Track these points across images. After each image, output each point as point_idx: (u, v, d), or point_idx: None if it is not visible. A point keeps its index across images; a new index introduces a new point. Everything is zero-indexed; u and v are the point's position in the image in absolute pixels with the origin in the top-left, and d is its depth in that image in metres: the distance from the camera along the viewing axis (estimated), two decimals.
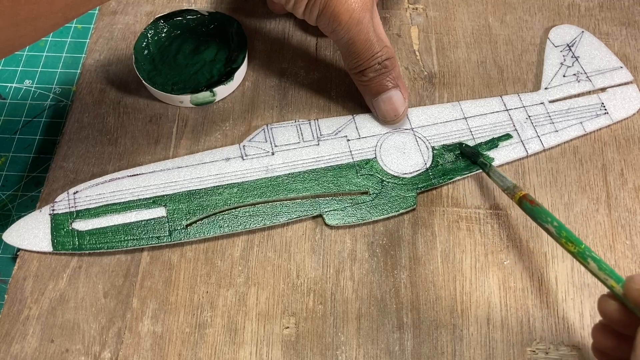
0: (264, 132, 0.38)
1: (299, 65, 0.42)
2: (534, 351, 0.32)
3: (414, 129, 0.39)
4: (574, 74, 0.41)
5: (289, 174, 0.37)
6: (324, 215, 0.36)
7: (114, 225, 0.35)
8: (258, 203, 0.36)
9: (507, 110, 0.40)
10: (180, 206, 0.36)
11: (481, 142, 0.38)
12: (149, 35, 0.41)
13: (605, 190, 0.37)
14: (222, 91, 0.40)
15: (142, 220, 0.35)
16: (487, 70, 0.42)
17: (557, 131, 0.39)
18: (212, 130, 0.39)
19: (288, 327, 0.33)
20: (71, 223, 0.35)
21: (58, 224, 0.35)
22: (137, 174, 0.37)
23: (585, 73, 0.41)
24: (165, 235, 0.35)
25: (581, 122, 0.39)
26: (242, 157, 0.37)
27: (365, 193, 0.36)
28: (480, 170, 0.37)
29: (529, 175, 0.38)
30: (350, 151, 0.38)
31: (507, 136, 0.39)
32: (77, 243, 0.34)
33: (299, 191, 0.36)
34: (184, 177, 0.36)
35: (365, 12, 0.34)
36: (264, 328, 0.33)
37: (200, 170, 0.37)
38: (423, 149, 0.38)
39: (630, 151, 0.39)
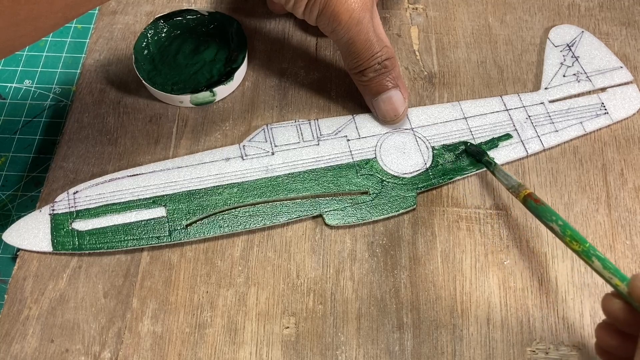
0: (264, 132, 0.38)
1: (299, 65, 0.42)
2: (534, 351, 0.32)
3: (414, 129, 0.39)
4: (574, 74, 0.41)
5: (289, 174, 0.37)
6: (324, 215, 0.36)
7: (114, 225, 0.35)
8: (258, 203, 0.36)
9: (507, 110, 0.40)
10: (180, 206, 0.36)
11: (481, 142, 0.38)
12: (149, 35, 0.41)
13: (605, 190, 0.37)
14: (222, 91, 0.40)
15: (142, 220, 0.35)
16: (487, 70, 0.42)
17: (557, 131, 0.39)
18: (212, 130, 0.39)
19: (288, 327, 0.33)
20: (71, 223, 0.35)
21: (58, 224, 0.35)
22: (137, 174, 0.37)
23: (585, 73, 0.41)
24: (165, 235, 0.35)
25: (581, 122, 0.39)
26: (242, 157, 0.37)
27: (365, 193, 0.36)
28: (480, 170, 0.37)
29: (529, 175, 0.38)
30: (350, 151, 0.38)
31: (507, 136, 0.39)
32: (77, 243, 0.34)
33: (299, 191, 0.36)
34: (184, 177, 0.36)
35: (365, 12, 0.34)
36: (264, 328, 0.33)
37: (200, 170, 0.37)
38: (423, 149, 0.38)
39: (630, 151, 0.39)
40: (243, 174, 0.37)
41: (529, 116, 0.39)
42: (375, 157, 0.38)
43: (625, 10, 0.44)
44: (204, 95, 0.39)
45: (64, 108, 0.42)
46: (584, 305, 0.34)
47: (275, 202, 0.36)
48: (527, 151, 0.38)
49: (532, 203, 0.32)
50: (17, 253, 0.35)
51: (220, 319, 0.33)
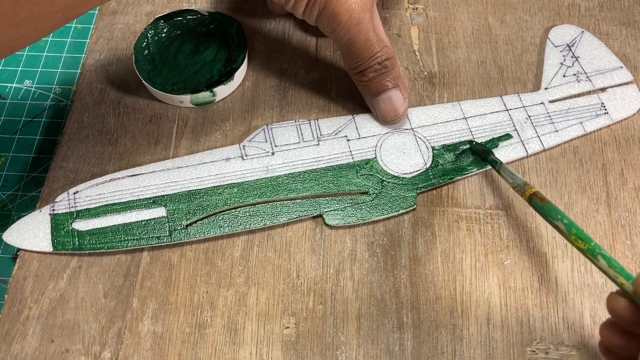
0: (264, 132, 0.38)
1: (299, 65, 0.42)
2: (534, 351, 0.32)
3: (414, 129, 0.39)
4: (574, 74, 0.41)
5: (289, 174, 0.37)
6: (324, 215, 0.36)
7: (114, 225, 0.35)
8: (258, 203, 0.36)
9: (507, 110, 0.40)
10: (180, 206, 0.36)
11: (481, 142, 0.38)
12: (149, 35, 0.41)
13: (605, 190, 0.37)
14: (222, 91, 0.40)
15: (142, 220, 0.35)
16: (487, 70, 0.42)
17: (557, 131, 0.39)
18: (212, 130, 0.39)
19: (288, 327, 0.33)
20: (71, 223, 0.35)
21: (58, 224, 0.35)
22: (137, 174, 0.37)
23: (585, 73, 0.41)
24: (165, 235, 0.35)
25: (581, 122, 0.39)
26: (242, 157, 0.37)
27: (365, 193, 0.36)
28: (480, 170, 0.37)
29: (529, 175, 0.38)
30: (350, 151, 0.38)
31: (507, 136, 0.39)
32: (77, 243, 0.34)
33: (299, 191, 0.36)
34: (184, 177, 0.36)
35: (365, 12, 0.34)
36: (264, 328, 0.33)
37: (200, 170, 0.37)
38: (423, 149, 0.38)
39: (630, 151, 0.39)
40: (243, 174, 0.37)
41: (529, 116, 0.39)
42: (375, 157, 0.38)
43: (625, 10, 0.44)
44: (204, 95, 0.39)
45: (64, 108, 0.42)
46: (584, 305, 0.34)
47: (276, 202, 0.36)
48: (527, 151, 0.38)
49: (537, 202, 0.32)
50: (17, 253, 0.35)
51: (221, 319, 0.33)
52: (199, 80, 0.40)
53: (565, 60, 0.42)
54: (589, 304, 0.34)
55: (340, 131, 0.39)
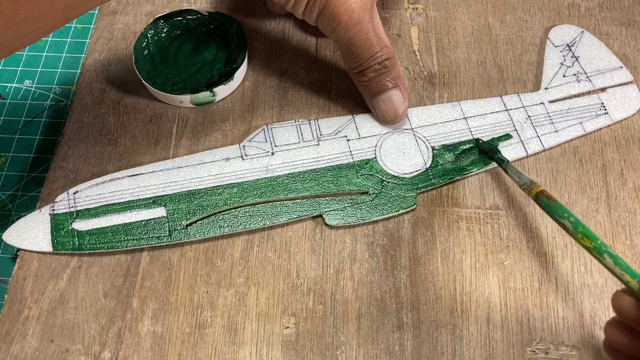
0: (264, 132, 0.38)
1: (299, 65, 0.42)
2: (534, 351, 0.32)
3: (414, 129, 0.39)
4: (574, 74, 0.41)
5: (288, 174, 0.37)
6: (324, 215, 0.36)
7: (114, 225, 0.35)
8: (258, 203, 0.36)
9: (507, 110, 0.40)
10: (180, 206, 0.36)
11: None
12: (149, 35, 0.41)
13: (605, 190, 0.37)
14: (222, 91, 0.40)
15: (142, 220, 0.35)
16: (487, 70, 0.42)
17: (557, 131, 0.39)
18: (212, 130, 0.39)
19: (288, 327, 0.33)
20: (71, 223, 0.35)
21: (58, 224, 0.35)
22: (137, 174, 0.37)
23: (585, 73, 0.41)
24: (165, 235, 0.35)
25: (581, 122, 0.39)
26: (242, 157, 0.37)
27: (365, 193, 0.36)
28: (480, 170, 0.37)
29: (529, 175, 0.38)
30: (350, 151, 0.38)
31: (507, 136, 0.39)
32: (77, 243, 0.34)
33: (299, 191, 0.36)
34: (184, 177, 0.36)
35: (365, 12, 0.34)
36: (264, 328, 0.33)
37: (200, 170, 0.37)
38: (423, 149, 0.38)
39: (630, 151, 0.39)
40: (243, 174, 0.37)
41: (529, 116, 0.39)
42: (375, 157, 0.38)
43: (625, 10, 0.44)
44: (204, 95, 0.39)
45: (64, 108, 0.42)
46: (584, 305, 0.34)
47: (275, 202, 0.36)
48: (527, 151, 0.38)
49: (544, 200, 0.32)
50: (17, 253, 0.35)
51: (220, 319, 0.33)
52: (199, 80, 0.40)
53: (565, 60, 0.42)
54: (589, 304, 0.34)
55: (340, 131, 0.39)
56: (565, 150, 0.39)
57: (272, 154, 0.38)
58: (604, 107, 0.40)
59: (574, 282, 0.34)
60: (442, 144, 0.38)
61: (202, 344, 0.33)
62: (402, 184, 0.37)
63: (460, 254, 0.35)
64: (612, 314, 0.33)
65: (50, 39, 0.45)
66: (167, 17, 0.42)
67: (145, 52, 0.40)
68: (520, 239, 0.36)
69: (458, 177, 0.37)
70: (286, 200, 0.36)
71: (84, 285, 0.34)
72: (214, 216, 0.35)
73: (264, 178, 0.37)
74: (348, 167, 0.37)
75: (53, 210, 0.35)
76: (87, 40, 0.44)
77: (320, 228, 0.36)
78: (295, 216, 0.36)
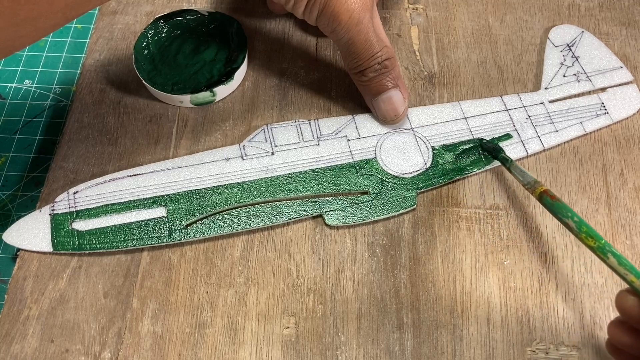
0: (264, 132, 0.38)
1: (299, 65, 0.42)
2: (534, 351, 0.32)
3: (414, 129, 0.39)
4: (574, 74, 0.41)
5: (289, 174, 0.37)
6: (324, 215, 0.36)
7: (114, 225, 0.35)
8: (258, 203, 0.36)
9: (507, 110, 0.40)
10: (180, 206, 0.36)
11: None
12: (149, 35, 0.41)
13: (605, 190, 0.37)
14: (222, 91, 0.40)
15: (142, 220, 0.35)
16: (487, 70, 0.42)
17: (557, 131, 0.39)
18: (212, 130, 0.39)
19: (288, 327, 0.33)
20: (71, 223, 0.35)
21: (58, 224, 0.35)
22: (137, 174, 0.37)
23: (585, 73, 0.41)
24: (165, 235, 0.35)
25: (581, 122, 0.39)
26: (242, 157, 0.37)
27: (365, 193, 0.36)
28: (480, 170, 0.37)
29: None
30: (350, 151, 0.38)
31: (507, 136, 0.39)
32: (77, 243, 0.34)
33: (299, 191, 0.36)
34: (184, 177, 0.36)
35: (365, 12, 0.34)
36: (264, 328, 0.33)
37: (200, 170, 0.37)
38: (423, 149, 0.38)
39: (630, 151, 0.39)
40: (243, 174, 0.37)
41: (529, 116, 0.39)
42: (375, 157, 0.38)
43: (625, 10, 0.44)
44: (204, 95, 0.39)
45: (64, 108, 0.42)
46: (584, 305, 0.34)
47: (275, 202, 0.36)
48: (527, 151, 0.38)
49: (548, 199, 0.32)
50: (17, 253, 0.35)
51: (220, 319, 0.33)
52: (199, 80, 0.40)
53: (565, 60, 0.42)
54: (589, 304, 0.34)
55: (340, 131, 0.39)
56: (566, 150, 0.39)
57: (272, 154, 0.38)
58: (604, 107, 0.40)
59: (574, 282, 0.34)
60: (442, 144, 0.38)
61: (202, 344, 0.33)
62: (402, 184, 0.37)
63: (460, 254, 0.35)
64: (612, 314, 0.33)
65: (50, 39, 0.45)
66: (167, 17, 0.42)
67: (145, 52, 0.40)
68: (520, 239, 0.36)
69: (458, 177, 0.37)
70: (286, 200, 0.36)
71: (84, 285, 0.34)
72: (214, 216, 0.35)
73: (264, 178, 0.37)
74: (348, 167, 0.37)
75: (53, 210, 0.35)
76: (87, 40, 0.44)
77: (320, 228, 0.36)
78: (295, 216, 0.36)
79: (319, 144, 0.38)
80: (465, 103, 0.40)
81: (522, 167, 0.35)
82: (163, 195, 0.36)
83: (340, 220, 0.36)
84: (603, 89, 0.41)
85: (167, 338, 0.33)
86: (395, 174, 0.37)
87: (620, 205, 0.37)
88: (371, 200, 0.36)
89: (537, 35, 0.43)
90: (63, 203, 0.35)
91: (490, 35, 0.43)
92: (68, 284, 0.34)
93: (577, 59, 0.42)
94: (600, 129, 0.39)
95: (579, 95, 0.40)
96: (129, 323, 0.33)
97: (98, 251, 0.35)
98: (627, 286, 0.28)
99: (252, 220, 0.35)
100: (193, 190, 0.36)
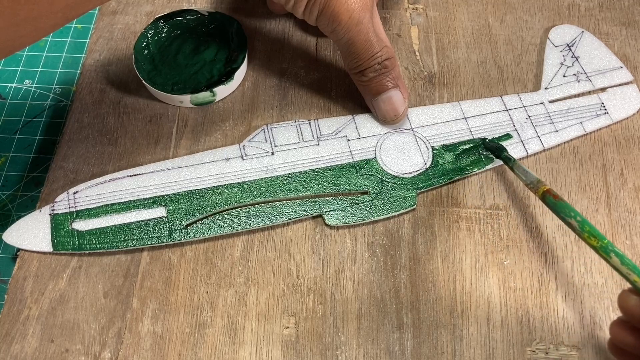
0: (264, 132, 0.38)
1: (299, 65, 0.42)
2: (534, 351, 0.32)
3: (414, 129, 0.39)
4: (574, 74, 0.41)
5: (289, 174, 0.37)
6: (324, 215, 0.36)
7: (114, 225, 0.35)
8: (258, 203, 0.36)
9: (507, 110, 0.40)
10: (180, 206, 0.36)
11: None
12: (149, 35, 0.41)
13: (605, 190, 0.37)
14: (222, 91, 0.40)
15: (142, 220, 0.35)
16: (487, 70, 0.42)
17: (557, 131, 0.39)
18: (212, 130, 0.39)
19: (288, 327, 0.33)
20: (71, 223, 0.35)
21: (58, 224, 0.35)
22: (137, 174, 0.37)
23: (585, 73, 0.41)
24: (165, 235, 0.35)
25: (581, 122, 0.39)
26: (242, 157, 0.37)
27: (365, 193, 0.36)
28: (480, 170, 0.37)
29: None
30: (350, 151, 0.38)
31: (507, 136, 0.39)
32: (77, 243, 0.34)
33: (299, 191, 0.36)
34: (184, 177, 0.36)
35: (365, 12, 0.34)
36: (264, 328, 0.33)
37: (200, 170, 0.37)
38: (423, 149, 0.38)
39: (630, 151, 0.39)
40: (243, 174, 0.37)
41: (529, 116, 0.39)
42: (375, 157, 0.38)
43: (625, 10, 0.44)
44: (204, 95, 0.39)
45: (64, 108, 0.42)
46: (584, 305, 0.34)
47: (275, 202, 0.36)
48: (527, 151, 0.38)
49: (550, 199, 0.32)
50: (17, 253, 0.35)
51: (220, 319, 0.33)
52: (199, 80, 0.40)
53: (565, 60, 0.42)
54: (589, 304, 0.34)
55: (340, 131, 0.39)
56: (565, 150, 0.39)
57: (272, 154, 0.38)
58: (604, 107, 0.40)
59: (574, 282, 0.34)
60: (442, 144, 0.38)
61: (202, 344, 0.33)
62: (402, 184, 0.37)
63: (460, 254, 0.35)
64: (612, 314, 0.33)
65: (50, 39, 0.45)
66: (167, 17, 0.42)
67: (145, 52, 0.40)
68: (520, 239, 0.36)
69: (458, 177, 0.37)
70: (286, 200, 0.36)
71: (84, 285, 0.34)
72: (214, 216, 0.35)
73: (264, 178, 0.37)
74: (348, 167, 0.37)
75: (53, 210, 0.35)
76: (87, 40, 0.44)
77: (320, 228, 0.36)
78: (295, 216, 0.36)
79: (319, 144, 0.38)
80: (465, 103, 0.40)
81: (525, 167, 0.35)
82: (163, 195, 0.36)
83: (340, 220, 0.36)
84: (603, 89, 0.41)
85: (167, 338, 0.33)
86: (395, 174, 0.37)
87: (620, 205, 0.37)
88: (371, 200, 0.36)
89: (537, 35, 0.43)
90: (63, 203, 0.35)
91: (490, 35, 0.43)
92: (68, 284, 0.34)
93: (577, 59, 0.42)
94: (600, 129, 0.39)
95: (579, 95, 0.40)
96: (129, 323, 0.33)
97: (98, 251, 0.35)
98: (629, 286, 0.28)
99: (252, 220, 0.35)
100: (193, 190, 0.36)
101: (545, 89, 0.41)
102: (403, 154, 0.38)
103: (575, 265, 0.35)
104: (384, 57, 0.36)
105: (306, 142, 0.38)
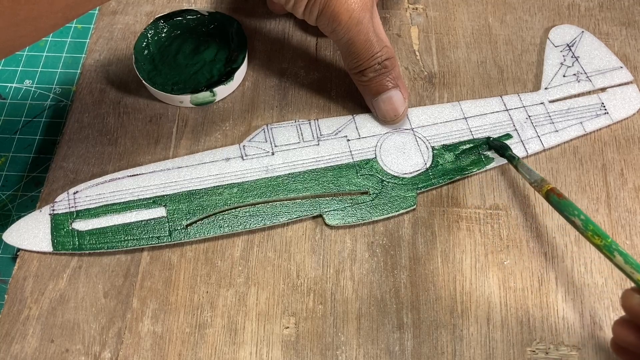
0: (264, 132, 0.38)
1: (299, 65, 0.42)
2: (534, 351, 0.32)
3: (414, 129, 0.39)
4: (574, 74, 0.41)
5: (289, 174, 0.37)
6: (324, 215, 0.36)
7: (114, 225, 0.35)
8: (258, 203, 0.36)
9: (507, 110, 0.40)
10: (180, 206, 0.36)
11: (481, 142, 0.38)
12: (149, 35, 0.41)
13: (605, 190, 0.37)
14: (222, 91, 0.40)
15: (142, 220, 0.35)
16: (487, 70, 0.42)
17: (557, 131, 0.39)
18: (212, 130, 0.39)
19: (288, 327, 0.33)
20: (71, 223, 0.35)
21: (58, 224, 0.35)
22: (137, 174, 0.37)
23: (585, 73, 0.41)
24: (165, 235, 0.35)
25: (581, 122, 0.39)
26: (242, 157, 0.37)
27: (365, 193, 0.36)
28: (480, 170, 0.37)
29: None
30: (350, 151, 0.38)
31: (507, 136, 0.39)
32: (77, 243, 0.34)
33: (299, 191, 0.36)
34: (184, 177, 0.36)
35: (365, 12, 0.34)
36: (264, 328, 0.33)
37: (200, 170, 0.37)
38: (423, 149, 0.38)
39: (630, 151, 0.39)
40: (243, 174, 0.37)
41: (529, 116, 0.39)
42: (375, 157, 0.38)
43: (625, 10, 0.44)
44: (204, 95, 0.39)
45: (64, 108, 0.42)
46: (584, 305, 0.34)
47: (275, 202, 0.36)
48: (527, 151, 0.38)
49: (554, 198, 0.32)
50: (17, 253, 0.35)
51: (220, 319, 0.33)
52: (199, 80, 0.40)
53: (565, 60, 0.42)
54: (589, 304, 0.34)
55: (340, 131, 0.39)
56: (565, 150, 0.39)
57: (272, 154, 0.38)
58: (604, 107, 0.40)
59: (574, 282, 0.34)
60: (442, 144, 0.38)
61: (202, 344, 0.33)
62: (402, 184, 0.37)
63: (460, 254, 0.35)
64: (613, 314, 0.33)
65: (50, 39, 0.45)
66: (167, 17, 0.42)
67: (145, 52, 0.40)
68: (520, 239, 0.36)
69: (458, 177, 0.37)
70: (286, 200, 0.36)
71: (84, 285, 0.34)
72: (214, 216, 0.35)
73: (264, 178, 0.37)
74: (348, 167, 0.37)
75: (53, 210, 0.35)
76: (87, 40, 0.44)
77: (320, 228, 0.36)
78: (295, 216, 0.36)
79: (319, 144, 0.38)
80: (465, 103, 0.40)
81: (529, 166, 0.35)
82: (163, 195, 0.36)
83: (340, 220, 0.36)
84: (603, 89, 0.41)
85: (167, 338, 0.33)
86: (395, 174, 0.37)
87: (620, 205, 0.37)
88: (371, 200, 0.36)
89: (537, 35, 0.43)
90: (63, 203, 0.35)
91: (490, 35, 0.43)
92: (68, 284, 0.34)
93: (577, 59, 0.42)
94: (600, 129, 0.39)
95: (579, 95, 0.40)
96: (129, 323, 0.33)
97: (98, 251, 0.35)
98: (631, 285, 0.28)
99: (252, 220, 0.35)
100: (193, 190, 0.36)
101: (545, 89, 0.41)
102: (403, 154, 0.38)
103: (575, 265, 0.35)
104: (384, 57, 0.36)
105: (306, 142, 0.38)
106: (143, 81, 0.39)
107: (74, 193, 0.36)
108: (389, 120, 0.38)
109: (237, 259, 0.35)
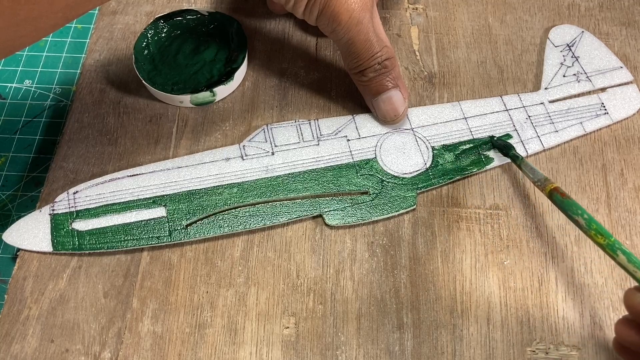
0: (264, 132, 0.38)
1: (299, 65, 0.42)
2: (534, 351, 0.32)
3: (414, 129, 0.39)
4: (574, 74, 0.41)
5: (289, 174, 0.37)
6: (324, 215, 0.36)
7: (114, 225, 0.35)
8: (258, 203, 0.36)
9: (507, 110, 0.40)
10: (180, 206, 0.36)
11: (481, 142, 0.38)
12: (149, 35, 0.41)
13: (605, 190, 0.37)
14: (222, 91, 0.40)
15: (142, 220, 0.35)
16: (487, 70, 0.42)
17: (557, 131, 0.39)
18: (212, 130, 0.39)
19: (288, 327, 0.33)
20: (71, 223, 0.35)
21: (58, 224, 0.35)
22: (137, 174, 0.37)
23: (585, 73, 0.41)
24: (165, 235, 0.35)
25: (581, 122, 0.39)
26: (242, 157, 0.37)
27: (365, 193, 0.36)
28: (480, 170, 0.37)
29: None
30: (350, 151, 0.38)
31: (507, 136, 0.39)
32: (77, 243, 0.34)
33: (299, 191, 0.36)
34: (184, 177, 0.36)
35: (365, 12, 0.34)
36: (264, 328, 0.33)
37: (200, 170, 0.37)
38: (423, 149, 0.38)
39: (630, 151, 0.39)
40: (243, 174, 0.37)
41: (529, 116, 0.39)
42: (375, 157, 0.38)
43: (625, 10, 0.44)
44: (204, 95, 0.39)
45: (64, 108, 0.42)
46: (584, 305, 0.34)
47: (275, 202, 0.36)
48: (527, 151, 0.38)
49: (558, 197, 0.32)
50: (17, 253, 0.35)
51: (220, 319, 0.33)
52: (199, 80, 0.40)
53: (565, 60, 0.42)
54: (589, 304, 0.34)
55: (340, 131, 0.39)
56: (565, 150, 0.39)
57: (272, 154, 0.38)
58: (604, 107, 0.40)
59: (574, 282, 0.34)
60: (442, 144, 0.38)
61: (202, 344, 0.33)
62: (402, 184, 0.37)
63: (460, 254, 0.35)
64: (613, 314, 0.33)
65: (50, 39, 0.45)
66: (167, 17, 0.42)
67: (145, 52, 0.40)
68: (520, 239, 0.36)
69: (458, 177, 0.37)
70: (286, 200, 0.36)
71: (84, 285, 0.34)
72: (214, 216, 0.35)
73: (264, 178, 0.37)
74: (348, 167, 0.37)
75: (53, 210, 0.35)
76: (87, 40, 0.44)
77: (320, 228, 0.36)
78: (295, 216, 0.36)
79: (319, 144, 0.38)
80: (465, 103, 0.40)
81: (532, 165, 0.35)
82: (163, 195, 0.36)
83: (340, 220, 0.36)
84: (603, 89, 0.41)
85: (167, 338, 0.33)
86: (395, 174, 0.37)
87: (620, 205, 0.37)
88: (371, 200, 0.36)
89: (537, 35, 0.43)
90: (63, 203, 0.35)
91: (490, 35, 0.43)
92: (68, 284, 0.34)
93: (577, 59, 0.42)
94: (600, 129, 0.39)
95: (579, 95, 0.40)
96: (129, 323, 0.33)
97: (98, 251, 0.35)
98: (633, 284, 0.28)
99: (252, 220, 0.35)
100: (193, 190, 0.36)
101: (545, 89, 0.41)
102: (403, 154, 0.38)
103: (575, 265, 0.35)
104: (384, 57, 0.36)
105: (306, 142, 0.38)
106: (143, 81, 0.39)
107: (74, 193, 0.36)
108: (389, 120, 0.38)
109: (237, 259, 0.35)
